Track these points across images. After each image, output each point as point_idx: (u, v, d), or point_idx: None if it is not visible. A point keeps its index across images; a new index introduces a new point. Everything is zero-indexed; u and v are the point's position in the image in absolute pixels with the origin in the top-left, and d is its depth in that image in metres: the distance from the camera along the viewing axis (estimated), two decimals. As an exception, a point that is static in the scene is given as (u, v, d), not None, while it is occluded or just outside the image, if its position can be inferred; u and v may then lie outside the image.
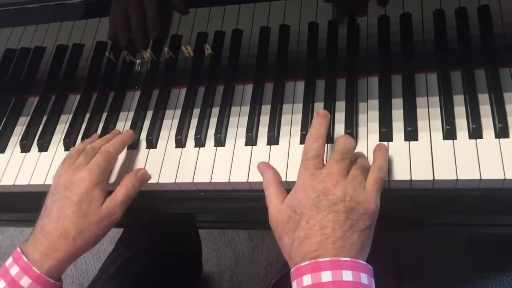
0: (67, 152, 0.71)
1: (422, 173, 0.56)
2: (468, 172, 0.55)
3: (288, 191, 0.57)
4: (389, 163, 0.57)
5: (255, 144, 0.64)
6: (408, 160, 0.57)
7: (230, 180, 0.62)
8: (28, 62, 0.83)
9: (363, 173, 0.53)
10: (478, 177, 0.54)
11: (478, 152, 0.56)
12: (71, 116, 0.75)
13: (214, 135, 0.65)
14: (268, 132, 0.64)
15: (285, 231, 0.52)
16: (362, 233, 0.50)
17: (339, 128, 0.62)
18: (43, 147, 0.73)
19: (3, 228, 1.62)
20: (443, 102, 0.60)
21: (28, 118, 0.77)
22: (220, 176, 0.62)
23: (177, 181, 0.64)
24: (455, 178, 0.54)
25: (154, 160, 0.66)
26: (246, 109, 0.67)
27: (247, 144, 0.64)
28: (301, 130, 0.63)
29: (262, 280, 1.33)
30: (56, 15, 0.81)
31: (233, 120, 0.67)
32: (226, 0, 0.75)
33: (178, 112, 0.70)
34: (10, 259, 0.58)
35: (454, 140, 0.57)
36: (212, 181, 0.62)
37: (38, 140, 0.73)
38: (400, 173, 0.57)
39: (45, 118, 0.76)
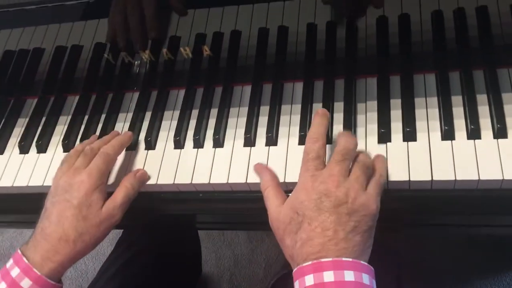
0: (66, 153, 0.71)
1: (420, 174, 0.56)
2: (466, 172, 0.55)
3: (287, 192, 0.57)
4: (388, 164, 0.57)
5: (254, 145, 0.64)
6: (406, 161, 0.57)
7: (229, 181, 0.62)
8: (27, 64, 0.83)
9: (365, 173, 0.53)
10: (477, 178, 0.54)
11: (477, 152, 0.56)
12: (70, 117, 0.75)
13: (213, 136, 0.65)
14: (267, 133, 0.64)
15: (287, 232, 0.52)
16: (364, 234, 0.50)
17: (338, 129, 0.62)
18: (42, 149, 0.73)
19: (3, 229, 1.62)
20: (442, 103, 0.60)
21: (27, 119, 0.77)
22: (219, 177, 0.62)
23: (175, 182, 0.64)
24: (453, 178, 0.55)
25: (152, 161, 0.66)
26: (244, 110, 0.68)
27: (245, 145, 0.64)
28: (300, 131, 0.63)
29: (262, 281, 1.33)
30: (55, 17, 0.81)
31: (231, 121, 0.67)
32: (224, 1, 0.75)
33: (177, 113, 0.70)
34: (11, 261, 0.58)
35: (453, 141, 0.57)
36: (211, 182, 0.62)
37: (37, 142, 0.73)
38: (399, 174, 0.57)
39: (43, 119, 0.76)
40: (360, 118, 0.62)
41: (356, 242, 0.49)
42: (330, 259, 0.48)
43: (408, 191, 0.58)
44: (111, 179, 0.66)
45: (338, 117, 0.63)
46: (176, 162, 0.65)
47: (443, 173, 0.55)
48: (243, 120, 0.66)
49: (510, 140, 0.56)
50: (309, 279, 0.48)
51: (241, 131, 0.65)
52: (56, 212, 0.59)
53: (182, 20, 0.77)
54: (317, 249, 0.49)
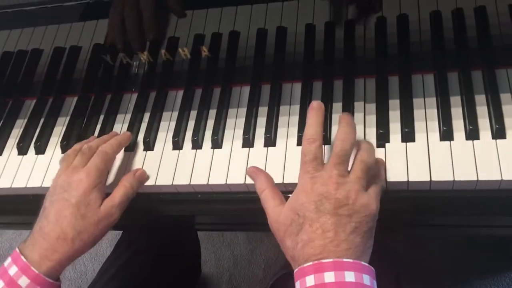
0: (61, 158, 0.71)
1: (419, 174, 0.56)
2: (465, 173, 0.54)
3: (285, 192, 0.57)
4: (386, 165, 0.57)
5: (252, 146, 0.64)
6: (405, 161, 0.57)
7: (227, 182, 0.62)
8: (25, 65, 0.82)
9: (366, 174, 0.52)
10: (475, 178, 0.54)
11: (475, 153, 0.56)
12: (68, 118, 0.75)
13: (211, 137, 0.65)
14: (265, 134, 0.64)
15: (287, 234, 0.52)
16: (364, 235, 0.50)
17: (336, 130, 0.62)
18: (40, 150, 0.73)
19: (1, 231, 1.62)
20: (440, 103, 0.60)
21: (25, 120, 0.77)
22: (217, 178, 0.62)
23: (174, 183, 0.64)
24: (452, 179, 0.54)
25: (151, 162, 0.66)
26: (243, 110, 0.67)
27: (244, 146, 0.64)
28: (298, 132, 0.63)
29: (261, 282, 1.33)
30: (54, 18, 0.81)
31: (230, 122, 0.67)
32: (223, 2, 0.75)
33: (175, 114, 0.70)
34: (9, 259, 0.59)
35: (451, 141, 0.57)
36: (209, 183, 0.62)
37: (35, 143, 0.73)
38: (397, 174, 0.56)
39: (42, 120, 0.76)
40: (359, 118, 0.62)
41: (357, 243, 0.49)
42: (331, 260, 0.48)
43: (407, 191, 0.57)
44: (110, 180, 0.66)
45: (337, 118, 0.62)
46: (175, 163, 0.65)
47: (442, 174, 0.55)
48: (241, 121, 0.66)
49: (508, 140, 0.56)
50: (310, 280, 0.48)
51: (239, 132, 0.65)
52: (55, 211, 0.59)
53: (180, 21, 0.77)
54: (318, 251, 0.49)
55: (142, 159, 0.67)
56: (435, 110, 0.60)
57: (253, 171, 0.60)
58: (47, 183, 0.68)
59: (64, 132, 0.73)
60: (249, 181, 0.61)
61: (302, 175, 0.53)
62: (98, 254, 1.47)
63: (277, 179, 0.60)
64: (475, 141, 0.57)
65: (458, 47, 0.64)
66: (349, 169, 0.53)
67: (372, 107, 0.63)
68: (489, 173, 0.54)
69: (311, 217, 0.50)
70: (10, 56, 0.84)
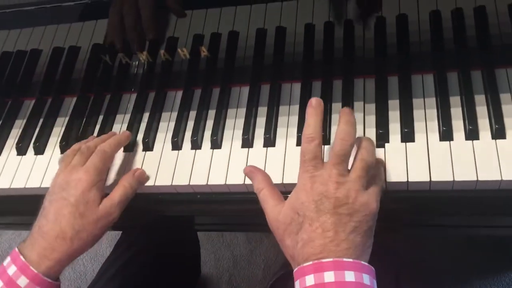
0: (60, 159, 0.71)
1: (418, 175, 0.56)
2: (464, 173, 0.54)
3: (285, 193, 0.56)
4: (386, 165, 0.57)
5: (252, 146, 0.64)
6: (404, 162, 0.57)
7: (227, 183, 0.62)
8: (24, 65, 0.82)
9: (367, 173, 0.52)
10: (475, 179, 0.54)
11: (475, 153, 0.55)
12: (67, 118, 0.75)
13: (211, 137, 0.65)
14: (265, 134, 0.64)
15: (287, 233, 0.52)
16: (364, 235, 0.50)
17: (335, 133, 0.61)
18: (39, 150, 0.73)
19: (1, 231, 1.62)
20: (440, 103, 0.60)
21: (24, 121, 0.77)
22: (217, 179, 0.62)
23: (173, 183, 0.64)
24: (451, 179, 0.54)
25: (150, 162, 0.66)
26: (242, 111, 0.67)
27: (243, 146, 0.64)
28: (298, 132, 0.63)
29: (261, 282, 1.33)
30: (53, 18, 0.81)
31: (229, 122, 0.67)
32: (222, 2, 0.75)
33: (175, 114, 0.70)
34: (8, 259, 0.58)
35: (451, 141, 0.57)
36: (209, 183, 0.62)
37: (34, 143, 0.73)
38: (397, 175, 0.56)
39: (41, 120, 0.76)
40: (358, 118, 0.62)
41: (357, 242, 0.49)
42: (331, 259, 0.48)
43: (407, 192, 0.57)
44: (109, 181, 0.66)
45: (336, 117, 0.62)
46: (174, 164, 0.65)
47: (442, 174, 0.55)
48: (241, 121, 0.66)
49: (508, 140, 0.56)
50: (310, 279, 0.48)
51: (239, 132, 0.65)
52: (54, 210, 0.59)
53: (179, 21, 0.77)
54: (318, 250, 0.49)
55: (141, 160, 0.67)
56: (435, 110, 0.60)
57: (250, 171, 0.59)
58: (46, 184, 0.68)
59: (63, 132, 0.73)
60: (248, 181, 0.61)
61: (301, 174, 0.53)
62: (98, 254, 1.46)
63: (277, 180, 0.60)
64: (474, 141, 0.56)
65: (457, 47, 0.64)
66: (349, 167, 0.53)
67: (371, 107, 0.63)
68: (489, 173, 0.54)
69: (311, 216, 0.50)
70: (9, 56, 0.84)
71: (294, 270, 0.50)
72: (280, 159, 0.62)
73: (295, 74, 0.69)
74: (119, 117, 0.74)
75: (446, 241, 1.24)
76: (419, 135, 0.59)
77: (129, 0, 0.73)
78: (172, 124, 0.69)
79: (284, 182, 0.59)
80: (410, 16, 0.67)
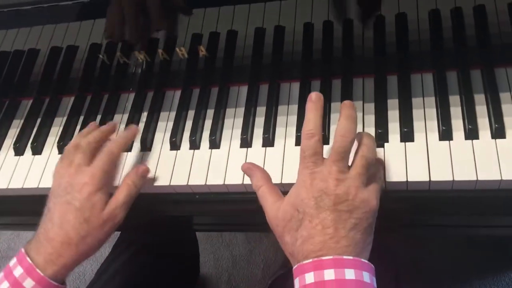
0: (61, 155, 0.71)
1: (418, 174, 0.55)
2: (464, 173, 0.54)
3: (284, 193, 0.56)
4: (385, 165, 0.57)
5: (250, 146, 0.64)
6: (404, 161, 0.57)
7: (225, 183, 0.61)
8: (22, 64, 0.82)
9: (367, 170, 0.52)
10: (475, 178, 0.54)
11: (475, 153, 0.55)
12: (65, 118, 0.75)
13: (209, 137, 0.65)
14: (263, 134, 0.63)
15: (286, 229, 0.52)
16: (364, 232, 0.50)
17: (335, 129, 0.61)
18: (37, 150, 0.72)
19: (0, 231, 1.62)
20: (439, 103, 0.60)
21: (22, 120, 0.77)
22: (215, 179, 0.62)
23: (171, 183, 0.63)
24: (451, 179, 0.54)
25: (148, 162, 0.66)
26: (241, 110, 0.67)
27: (242, 146, 0.64)
28: (297, 132, 0.63)
29: (260, 282, 1.33)
30: (50, 17, 0.81)
31: (228, 122, 0.67)
32: (220, 1, 0.74)
33: (173, 114, 0.70)
34: (14, 260, 0.58)
35: (450, 141, 0.57)
36: (207, 183, 0.62)
37: (32, 143, 0.73)
38: (396, 174, 0.56)
39: (39, 120, 0.76)
40: (357, 118, 0.62)
41: (357, 239, 0.49)
42: (331, 257, 0.47)
43: (406, 191, 0.57)
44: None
45: (335, 117, 0.62)
46: (172, 164, 0.65)
47: (441, 174, 0.55)
48: (239, 121, 0.66)
49: (508, 140, 0.55)
50: (309, 277, 0.47)
51: (237, 132, 0.65)
52: (58, 214, 0.58)
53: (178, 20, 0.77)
54: (318, 247, 0.48)
55: (139, 160, 0.67)
56: (434, 110, 0.60)
57: (248, 168, 0.58)
58: (44, 184, 0.68)
59: (61, 132, 0.73)
60: (247, 181, 0.60)
61: (301, 170, 0.53)
62: (96, 254, 1.45)
63: (276, 179, 0.59)
64: (474, 141, 0.56)
65: (457, 46, 0.64)
66: (349, 163, 0.52)
67: (370, 106, 0.63)
68: (488, 173, 0.54)
69: (311, 213, 0.50)
70: (7, 56, 0.83)
71: (294, 268, 0.50)
72: (279, 159, 0.61)
73: (294, 73, 0.69)
74: (117, 116, 0.73)
75: (446, 240, 1.24)
76: (418, 134, 0.58)
77: None
78: (170, 124, 0.69)
79: (283, 182, 0.59)
80: (410, 15, 0.67)
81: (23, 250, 0.58)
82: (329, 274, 0.47)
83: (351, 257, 0.48)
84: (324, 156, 0.53)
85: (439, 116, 0.59)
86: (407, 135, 0.58)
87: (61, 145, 0.71)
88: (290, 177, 0.59)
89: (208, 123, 0.67)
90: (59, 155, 0.70)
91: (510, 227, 0.72)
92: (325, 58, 0.68)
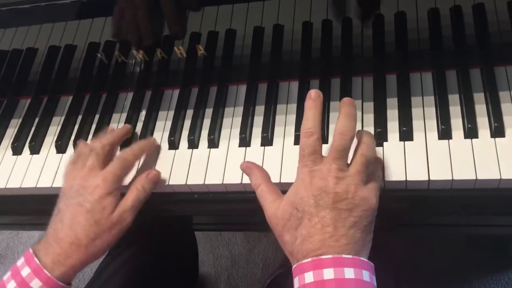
0: (59, 154, 0.71)
1: (417, 174, 0.55)
2: (463, 172, 0.54)
3: (282, 192, 0.56)
4: (384, 164, 0.57)
5: (249, 145, 0.64)
6: (403, 161, 0.57)
7: (224, 182, 0.61)
8: (20, 64, 0.82)
9: (367, 168, 0.52)
10: (474, 177, 0.53)
11: (474, 152, 0.55)
12: (63, 118, 0.75)
13: (208, 136, 0.65)
14: (262, 133, 0.63)
15: (286, 228, 0.51)
16: (364, 230, 0.50)
17: (334, 128, 0.61)
18: (35, 150, 0.72)
19: (-1, 230, 1.61)
20: (438, 102, 0.60)
21: (20, 120, 0.76)
22: (214, 178, 0.62)
23: (170, 183, 0.63)
24: (450, 178, 0.54)
25: (147, 162, 0.66)
26: (239, 109, 0.67)
27: (240, 145, 0.64)
28: (295, 131, 0.63)
29: (259, 281, 1.33)
30: (48, 16, 0.80)
31: (226, 121, 0.67)
32: (219, 0, 0.74)
33: (171, 113, 0.70)
34: (22, 260, 0.58)
35: (450, 140, 0.57)
36: (206, 183, 0.62)
37: (30, 143, 0.73)
38: (396, 174, 0.56)
39: (37, 120, 0.76)
40: (356, 117, 0.62)
41: (356, 238, 0.49)
42: (330, 256, 0.47)
43: (405, 191, 0.57)
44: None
45: (334, 116, 0.62)
46: (171, 163, 0.65)
47: (440, 173, 0.55)
48: (238, 120, 0.66)
49: (507, 139, 0.55)
50: (309, 276, 0.47)
51: (236, 131, 0.65)
52: (69, 215, 0.58)
53: (176, 19, 0.77)
54: (317, 246, 0.48)
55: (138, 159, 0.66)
56: (433, 109, 0.60)
57: (247, 166, 0.58)
58: (42, 183, 0.68)
59: (59, 131, 0.73)
60: (246, 180, 0.60)
61: (300, 169, 0.52)
62: (96, 254, 1.46)
63: (274, 179, 0.59)
64: (473, 140, 0.56)
65: (456, 45, 0.64)
66: (348, 161, 0.52)
67: (369, 105, 0.62)
68: (488, 172, 0.53)
69: (310, 211, 0.50)
70: (5, 55, 0.83)
71: (293, 267, 0.50)
72: (278, 158, 0.61)
73: (292, 72, 0.68)
74: (115, 116, 0.73)
75: (445, 240, 1.24)
76: (417, 133, 0.58)
77: None
78: (168, 123, 0.69)
79: (282, 181, 0.59)
80: (409, 13, 0.67)
81: (31, 250, 0.58)
82: (328, 274, 0.47)
83: (350, 256, 0.48)
84: (323, 155, 0.52)
85: (438, 115, 0.59)
86: (406, 134, 0.58)
87: (59, 145, 0.71)
88: (289, 176, 0.59)
89: (206, 122, 0.67)
90: (57, 155, 0.71)
91: (510, 226, 0.72)
92: (324, 57, 0.68)
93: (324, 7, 0.70)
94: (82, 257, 0.58)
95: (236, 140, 0.64)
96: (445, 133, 0.57)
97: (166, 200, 0.65)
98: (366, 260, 0.49)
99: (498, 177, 0.53)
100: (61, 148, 0.71)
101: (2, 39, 0.83)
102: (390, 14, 0.67)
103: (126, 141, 0.68)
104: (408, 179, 0.55)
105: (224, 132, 0.66)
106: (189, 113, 0.69)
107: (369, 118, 0.61)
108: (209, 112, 0.68)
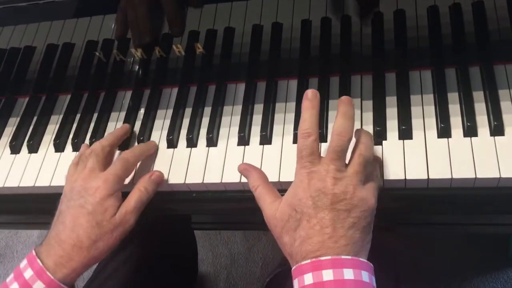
0: (57, 153, 0.71)
1: (416, 172, 0.55)
2: (463, 170, 0.54)
3: (281, 191, 0.56)
4: (383, 162, 0.57)
5: (248, 144, 0.63)
6: (402, 159, 0.56)
7: (223, 181, 0.61)
8: (18, 62, 0.81)
9: (365, 168, 0.51)
10: (473, 176, 0.53)
11: (473, 150, 0.55)
12: (61, 116, 0.74)
13: (206, 135, 0.65)
14: (261, 131, 0.63)
15: (285, 230, 0.51)
16: (363, 230, 0.49)
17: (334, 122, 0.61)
18: (33, 148, 0.72)
19: (-3, 229, 1.61)
20: (438, 100, 0.60)
21: (18, 119, 0.76)
22: (213, 177, 0.62)
23: (169, 182, 0.63)
24: (450, 177, 0.54)
25: (145, 161, 0.66)
26: (238, 108, 0.67)
27: (239, 144, 0.64)
28: (294, 129, 0.62)
29: (258, 280, 1.33)
30: (46, 14, 0.80)
31: (225, 119, 0.67)
32: (218, -2, 0.74)
33: (170, 112, 0.69)
34: (25, 261, 0.58)
35: (449, 139, 0.57)
36: (204, 181, 0.62)
37: (28, 141, 0.72)
38: (395, 172, 0.56)
39: (35, 118, 0.75)
40: (355, 116, 0.61)
41: (355, 238, 0.49)
42: (329, 257, 0.47)
43: (404, 189, 0.57)
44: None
45: (333, 114, 0.61)
46: (169, 162, 0.64)
47: (440, 172, 0.54)
48: (237, 119, 0.66)
49: (507, 137, 0.55)
50: (308, 278, 0.47)
51: (235, 130, 0.64)
52: (71, 217, 0.58)
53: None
54: (316, 247, 0.48)
55: (136, 158, 0.66)
56: (433, 107, 0.60)
57: (244, 168, 0.58)
58: (41, 182, 0.68)
59: (57, 130, 0.73)
60: (244, 179, 0.60)
61: (298, 170, 0.52)
62: (95, 252, 1.46)
63: (273, 178, 0.59)
64: (473, 138, 0.56)
65: (455, 43, 0.63)
66: (346, 160, 0.52)
67: (369, 104, 0.62)
68: (487, 171, 0.53)
69: (309, 212, 0.49)
70: (3, 53, 0.83)
71: (293, 268, 0.50)
72: (277, 157, 0.61)
73: (291, 70, 0.68)
74: (113, 114, 0.73)
75: (445, 241, 1.24)
76: (417, 132, 0.58)
77: None
78: (167, 122, 0.68)
79: (281, 180, 0.59)
80: (408, 11, 0.67)
81: (34, 252, 0.58)
82: (327, 275, 0.46)
83: (349, 257, 0.48)
84: (322, 154, 0.52)
85: (437, 113, 0.59)
86: (405, 133, 0.58)
87: (57, 144, 0.71)
88: (287, 175, 0.59)
89: (205, 121, 0.67)
90: (56, 154, 0.70)
91: (509, 225, 0.71)
92: (323, 55, 0.68)
93: (323, 4, 0.70)
94: (84, 260, 0.58)
95: (235, 139, 0.64)
96: (444, 131, 0.57)
97: (164, 199, 0.65)
98: (365, 260, 0.49)
99: (498, 176, 0.53)
100: (59, 147, 0.71)
101: (0, 37, 0.83)
102: (389, 12, 0.67)
103: (125, 140, 0.68)
104: (407, 177, 0.55)
105: (223, 131, 0.66)
106: (188, 111, 0.68)
107: (368, 116, 0.61)
108: (207, 110, 0.68)
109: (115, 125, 0.72)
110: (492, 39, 0.62)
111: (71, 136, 0.72)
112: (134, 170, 0.65)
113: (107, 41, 0.77)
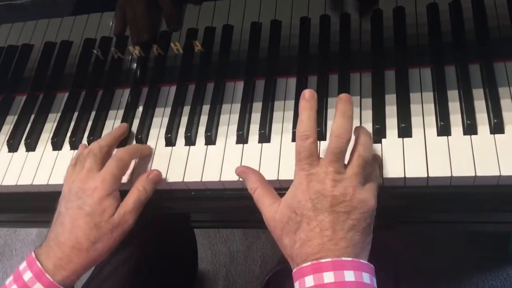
0: (55, 151, 0.70)
1: (416, 170, 0.55)
2: (463, 169, 0.54)
3: (280, 189, 0.56)
4: (383, 161, 0.56)
5: (246, 142, 0.63)
6: (401, 157, 0.56)
7: (221, 179, 0.61)
8: (16, 60, 0.81)
9: (364, 169, 0.51)
10: (473, 174, 0.53)
11: (473, 148, 0.55)
12: (59, 114, 0.74)
13: (205, 133, 0.64)
14: (260, 130, 0.63)
15: (285, 232, 0.51)
16: (363, 232, 0.49)
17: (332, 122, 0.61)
18: (31, 147, 0.72)
19: (-4, 228, 1.61)
20: (437, 98, 0.59)
21: (16, 117, 0.76)
22: (211, 175, 0.61)
23: (167, 180, 0.63)
24: (449, 175, 0.54)
25: (143, 159, 0.65)
26: (237, 106, 0.66)
27: (238, 142, 0.63)
28: (293, 128, 0.62)
29: (258, 278, 1.33)
30: (44, 12, 0.80)
31: (223, 118, 0.66)
32: (216, -5, 0.73)
33: (168, 110, 0.69)
34: (24, 263, 0.58)
35: (449, 136, 0.56)
36: (203, 180, 0.61)
37: (25, 140, 0.72)
38: (394, 171, 0.56)
39: (32, 116, 0.75)
40: (355, 113, 0.60)
41: (355, 240, 0.49)
42: (330, 259, 0.47)
43: (404, 188, 0.57)
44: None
45: (332, 112, 0.61)
46: (168, 160, 0.64)
47: (439, 170, 0.54)
48: (235, 117, 0.65)
49: (507, 135, 0.55)
50: (309, 280, 0.47)
51: (233, 128, 0.64)
52: (69, 219, 0.58)
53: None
54: (316, 250, 0.48)
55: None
56: (432, 105, 0.60)
57: (242, 171, 0.58)
58: (39, 181, 0.68)
59: (55, 128, 0.72)
60: (243, 178, 0.60)
61: (297, 172, 0.52)
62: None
63: (272, 176, 0.59)
64: (473, 136, 0.56)
65: (455, 40, 0.63)
66: (345, 161, 0.52)
67: (368, 101, 0.62)
68: (487, 169, 0.53)
69: (308, 215, 0.49)
70: (0, 51, 0.82)
71: (293, 271, 0.50)
72: (276, 155, 0.61)
73: (290, 68, 0.68)
74: (111, 113, 0.73)
75: (445, 240, 1.24)
76: (416, 130, 0.58)
77: None
78: (165, 120, 0.68)
79: (280, 178, 0.59)
80: (408, 8, 0.66)
81: (33, 254, 0.58)
82: (328, 277, 0.46)
83: (350, 259, 0.47)
84: (321, 153, 0.52)
85: (437, 111, 0.58)
86: (405, 131, 0.58)
87: (55, 142, 0.70)
88: (286, 173, 0.59)
89: (203, 119, 0.66)
90: (54, 152, 0.70)
91: (509, 223, 0.71)
92: (322, 53, 0.68)
93: (322, 2, 0.70)
94: (83, 261, 0.57)
95: (233, 137, 0.64)
96: (444, 129, 0.57)
97: (163, 197, 0.65)
98: (366, 262, 0.49)
99: (498, 174, 0.52)
100: (57, 145, 0.70)
101: (-3, 36, 0.83)
102: (388, 9, 0.67)
103: (123, 139, 0.68)
104: (407, 176, 0.55)
105: (221, 129, 0.65)
106: (186, 109, 0.68)
107: (368, 114, 0.61)
108: (206, 108, 0.67)
109: (113, 123, 0.71)
110: (492, 36, 0.62)
111: (69, 134, 0.71)
112: (132, 169, 0.65)
113: (105, 39, 0.76)
